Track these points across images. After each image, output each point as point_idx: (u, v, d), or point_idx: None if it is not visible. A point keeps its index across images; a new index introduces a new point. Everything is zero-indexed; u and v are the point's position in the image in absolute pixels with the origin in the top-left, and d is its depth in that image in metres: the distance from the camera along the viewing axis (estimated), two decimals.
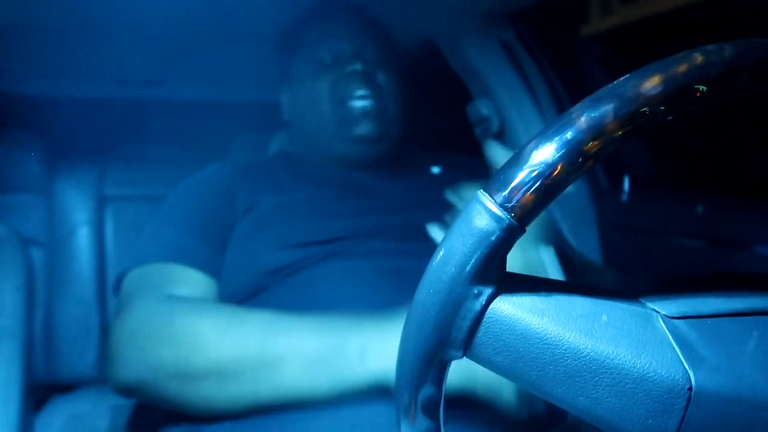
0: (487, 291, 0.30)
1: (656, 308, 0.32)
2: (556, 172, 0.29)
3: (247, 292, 0.77)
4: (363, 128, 0.89)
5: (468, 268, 0.30)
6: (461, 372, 0.59)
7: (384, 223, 0.82)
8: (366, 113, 0.89)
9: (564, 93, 1.19)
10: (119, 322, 0.71)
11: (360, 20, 0.98)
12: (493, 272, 0.30)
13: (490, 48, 1.16)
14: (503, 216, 0.29)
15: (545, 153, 0.29)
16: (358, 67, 0.89)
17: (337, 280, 0.74)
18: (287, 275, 0.76)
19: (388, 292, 0.71)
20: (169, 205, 0.86)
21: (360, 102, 0.89)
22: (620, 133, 0.29)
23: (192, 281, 0.76)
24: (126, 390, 0.70)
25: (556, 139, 0.29)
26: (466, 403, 0.61)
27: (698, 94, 0.29)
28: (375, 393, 0.62)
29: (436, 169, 0.98)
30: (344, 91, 0.89)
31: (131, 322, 0.69)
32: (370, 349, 0.62)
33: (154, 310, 0.69)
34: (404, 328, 0.32)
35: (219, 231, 0.81)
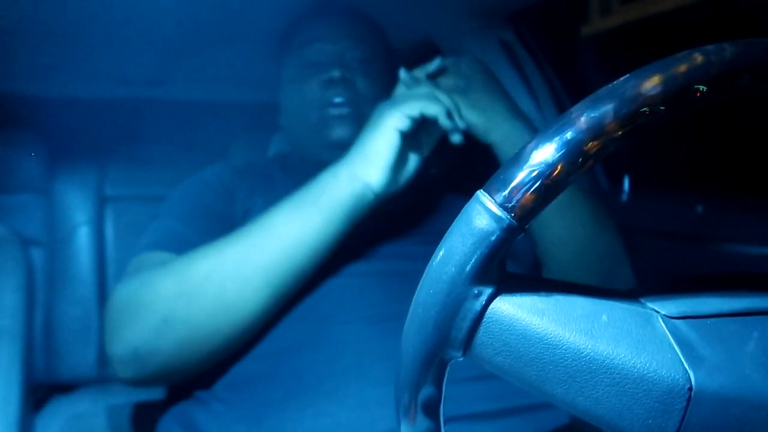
0: (487, 291, 0.30)
1: (656, 308, 0.32)
2: (556, 172, 0.29)
3: None
4: (339, 133, 0.89)
5: (468, 268, 0.30)
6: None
7: (381, 226, 0.81)
8: (342, 119, 0.89)
9: (564, 93, 1.19)
10: (106, 306, 0.72)
11: (348, 22, 0.96)
12: (493, 272, 0.30)
13: (490, 48, 1.16)
14: (503, 216, 0.29)
15: (545, 153, 0.29)
16: (336, 73, 0.88)
17: (335, 281, 0.74)
18: None
19: (387, 294, 0.71)
20: (169, 202, 0.86)
21: (336, 109, 0.89)
22: (620, 133, 0.29)
23: None
24: (125, 361, 0.69)
25: (556, 139, 0.29)
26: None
27: (698, 94, 0.29)
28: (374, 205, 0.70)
29: (434, 170, 0.97)
30: (322, 98, 0.89)
31: (114, 298, 0.71)
32: (354, 166, 0.69)
33: (131, 281, 0.71)
34: (404, 328, 0.32)
35: (220, 227, 0.81)
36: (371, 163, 0.70)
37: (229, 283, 0.66)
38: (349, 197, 0.69)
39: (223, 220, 0.82)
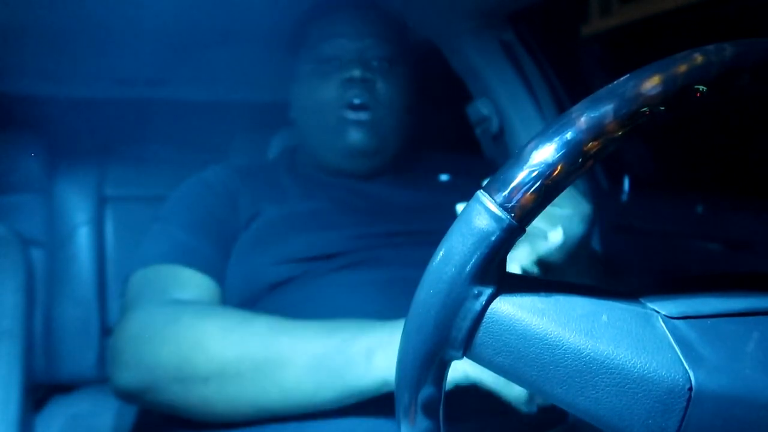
0: (487, 291, 0.30)
1: (656, 308, 0.32)
2: (556, 172, 0.29)
3: (248, 304, 0.76)
4: (355, 140, 0.84)
5: (468, 268, 0.30)
6: (471, 364, 0.56)
7: (388, 234, 0.80)
8: (359, 125, 0.84)
9: (564, 93, 1.19)
10: (122, 325, 0.70)
11: (372, 18, 0.91)
12: (493, 272, 0.30)
13: (490, 48, 1.16)
14: (503, 216, 0.29)
15: (545, 153, 0.29)
16: (356, 72, 0.83)
17: (340, 293, 0.73)
18: (289, 288, 0.75)
19: (392, 302, 0.71)
20: (172, 206, 0.84)
21: (354, 113, 0.84)
22: (620, 133, 0.29)
23: (196, 284, 0.75)
24: (128, 394, 0.69)
25: (556, 139, 0.29)
26: (474, 400, 0.61)
27: (698, 94, 0.29)
28: (382, 398, 0.61)
29: (441, 176, 0.96)
30: (340, 98, 0.84)
31: (134, 325, 0.69)
32: (376, 350, 0.60)
33: (157, 313, 0.69)
34: (404, 328, 0.32)
35: (224, 234, 0.80)
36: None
37: (257, 383, 0.63)
38: (377, 387, 0.60)
39: (226, 225, 0.81)
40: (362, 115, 0.84)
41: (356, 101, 0.84)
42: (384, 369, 0.59)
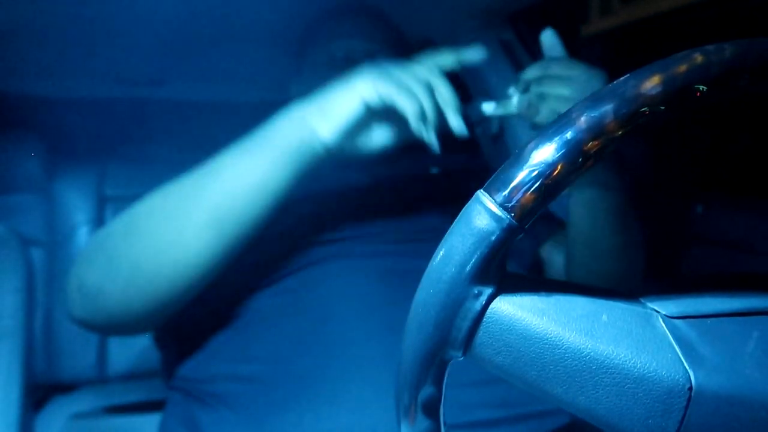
0: (487, 291, 0.30)
1: (656, 308, 0.32)
2: (556, 172, 0.29)
3: (243, 293, 0.76)
4: None
5: (468, 268, 0.30)
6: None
7: (384, 224, 0.81)
8: None
9: None
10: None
11: (380, 24, 0.96)
12: (493, 272, 0.30)
13: (490, 48, 1.16)
14: (503, 216, 0.29)
15: (545, 153, 0.29)
16: None
17: (336, 281, 0.74)
18: (285, 277, 0.76)
19: (388, 292, 0.71)
20: None
21: None
22: (620, 133, 0.29)
23: None
24: (73, 300, 0.68)
25: (556, 139, 0.29)
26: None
27: (698, 94, 0.29)
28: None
29: (435, 170, 0.97)
30: None
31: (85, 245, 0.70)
32: (309, 113, 0.62)
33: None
34: (404, 328, 0.32)
35: None
36: (326, 117, 0.64)
37: (170, 220, 0.63)
38: (298, 142, 0.64)
39: None
40: None
41: None
42: (322, 129, 0.62)
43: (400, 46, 0.97)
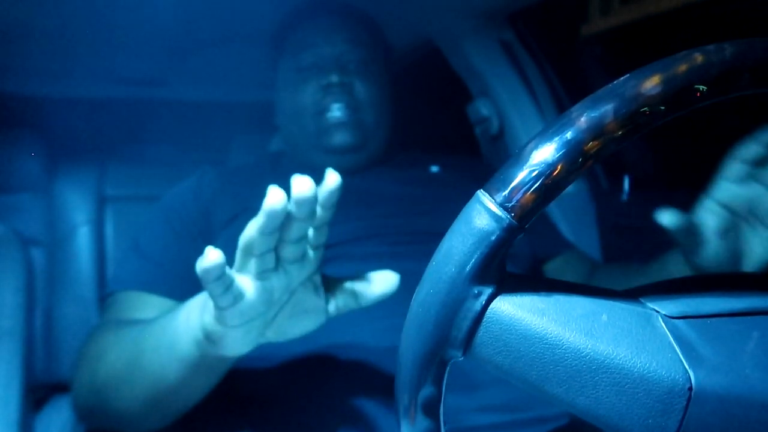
0: (487, 291, 0.30)
1: (656, 308, 0.32)
2: (556, 172, 0.29)
3: None
4: (338, 139, 0.89)
5: (468, 267, 0.30)
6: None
7: (379, 227, 0.81)
8: (340, 125, 0.89)
9: (564, 93, 1.19)
10: (84, 345, 0.73)
11: (345, 24, 0.95)
12: (493, 272, 0.30)
13: (490, 48, 1.16)
14: (503, 216, 0.29)
15: (545, 153, 0.29)
16: (334, 78, 0.88)
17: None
18: None
19: (393, 302, 0.71)
20: (143, 226, 0.84)
21: (334, 114, 0.88)
22: (620, 133, 0.29)
23: (154, 305, 0.75)
24: (81, 415, 0.71)
25: (556, 139, 0.29)
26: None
27: (698, 94, 0.29)
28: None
29: (434, 169, 0.97)
30: (320, 103, 0.89)
31: (90, 344, 0.71)
32: (191, 308, 0.56)
33: (91, 335, 0.72)
34: (404, 328, 0.32)
35: (195, 246, 0.79)
36: (223, 346, 0.53)
37: (123, 389, 0.63)
38: (207, 359, 0.56)
39: (197, 238, 0.80)
40: (342, 116, 0.88)
41: (335, 105, 0.88)
42: (199, 320, 0.53)
43: (369, 41, 0.96)
